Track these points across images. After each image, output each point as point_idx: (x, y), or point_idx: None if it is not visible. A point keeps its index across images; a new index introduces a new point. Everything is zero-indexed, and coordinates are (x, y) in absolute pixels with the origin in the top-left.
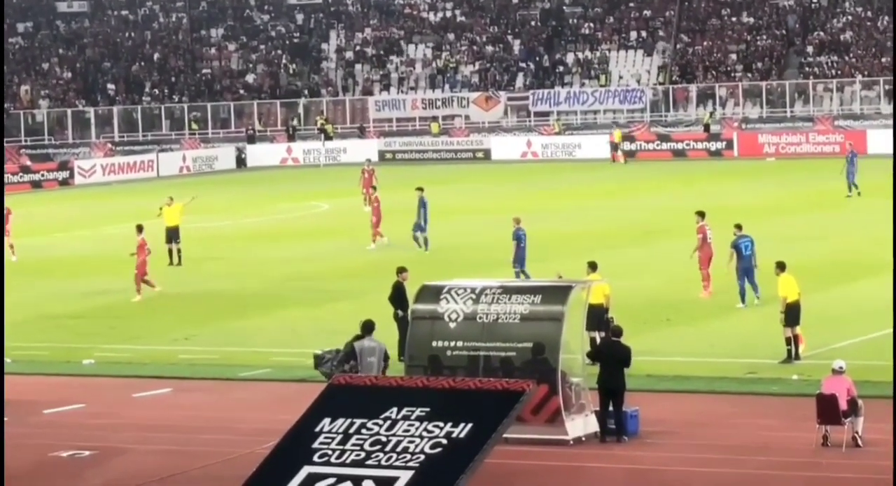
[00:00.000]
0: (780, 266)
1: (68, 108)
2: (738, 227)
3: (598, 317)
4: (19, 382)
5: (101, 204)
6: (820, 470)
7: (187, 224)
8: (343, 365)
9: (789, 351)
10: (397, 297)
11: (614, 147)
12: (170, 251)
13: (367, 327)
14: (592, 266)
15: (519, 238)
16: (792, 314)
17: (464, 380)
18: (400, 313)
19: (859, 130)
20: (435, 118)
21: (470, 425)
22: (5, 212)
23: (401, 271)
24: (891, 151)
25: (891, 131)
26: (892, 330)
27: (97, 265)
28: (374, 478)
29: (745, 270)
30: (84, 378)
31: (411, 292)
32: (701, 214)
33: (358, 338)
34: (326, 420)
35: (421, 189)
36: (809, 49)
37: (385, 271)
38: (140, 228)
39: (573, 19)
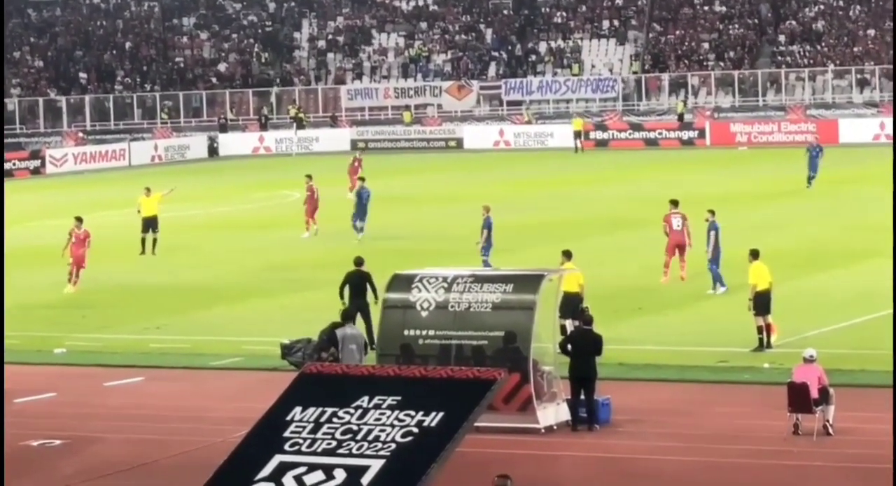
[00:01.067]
0: (754, 254)
1: (40, 96)
2: (712, 212)
3: (572, 305)
4: None
5: (72, 193)
6: (791, 458)
7: (160, 213)
8: (321, 352)
9: (761, 340)
10: (356, 286)
11: (577, 135)
12: (143, 241)
13: (348, 315)
14: (567, 255)
15: (489, 226)
16: (761, 303)
17: (435, 369)
18: (366, 301)
19: (831, 119)
20: (407, 107)
21: (441, 413)
22: None
23: (359, 262)
24: (861, 139)
25: (862, 121)
26: (864, 318)
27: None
28: (345, 467)
29: (718, 256)
30: (55, 367)
31: (383, 281)
32: (673, 203)
33: (338, 325)
34: (297, 409)
35: (362, 179)
36: (781, 38)
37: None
38: (80, 220)
39: (545, 8)
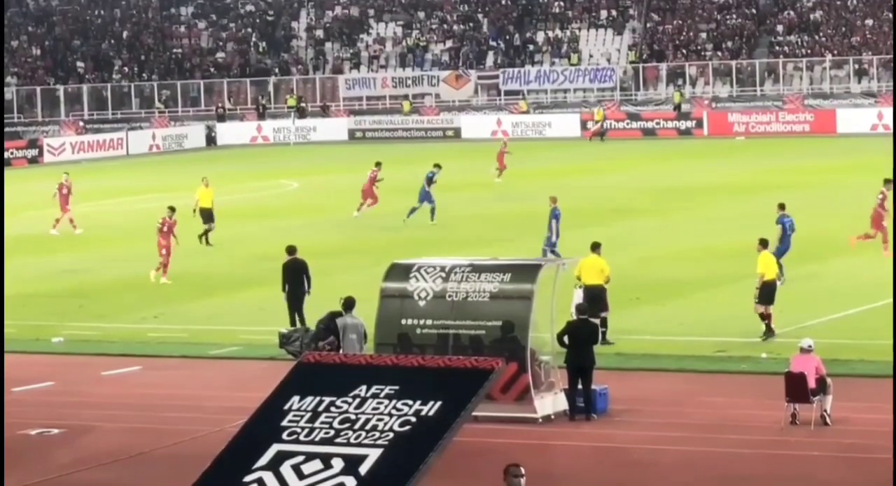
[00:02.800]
0: (763, 243)
1: (38, 86)
2: (782, 206)
3: (596, 298)
4: None
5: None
6: (788, 448)
7: (156, 202)
8: (318, 341)
9: (768, 326)
10: (289, 275)
11: (597, 124)
12: (206, 232)
13: (349, 304)
14: (595, 247)
15: (556, 217)
16: (767, 292)
17: (433, 358)
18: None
19: (829, 109)
20: (406, 97)
21: (439, 403)
22: (63, 184)
23: (291, 251)
24: (859, 130)
25: (860, 111)
26: (861, 309)
27: (66, 243)
28: (343, 456)
29: (785, 249)
30: (53, 356)
31: (380, 271)
32: (886, 182)
33: (337, 314)
34: (295, 398)
35: (438, 167)
36: (779, 28)
37: (353, 250)
38: (173, 209)
39: None
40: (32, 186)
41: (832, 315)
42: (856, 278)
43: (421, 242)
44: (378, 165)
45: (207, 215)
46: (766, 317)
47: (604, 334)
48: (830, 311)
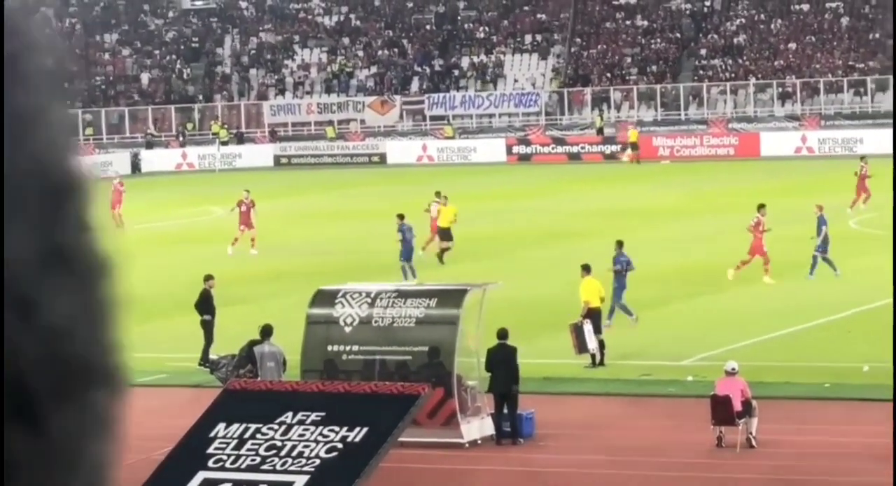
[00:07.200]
0: None
1: None
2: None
3: (596, 319)
4: None
5: None
6: (715, 471)
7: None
8: (239, 370)
9: None
10: (203, 303)
11: (634, 147)
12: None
13: (266, 332)
14: (586, 269)
15: (825, 223)
16: None
17: (359, 384)
18: (207, 317)
19: (753, 132)
20: (330, 122)
21: (365, 429)
22: (242, 201)
23: (207, 278)
24: (782, 153)
25: (783, 134)
26: (787, 331)
27: None
28: (270, 483)
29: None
30: None
31: (307, 296)
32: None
33: (256, 342)
34: (221, 425)
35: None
36: (703, 52)
37: (280, 277)
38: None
39: (468, 23)
40: None
41: (757, 338)
42: (781, 300)
43: (347, 267)
44: (437, 194)
45: (444, 234)
46: None
47: (603, 356)
48: (755, 334)
